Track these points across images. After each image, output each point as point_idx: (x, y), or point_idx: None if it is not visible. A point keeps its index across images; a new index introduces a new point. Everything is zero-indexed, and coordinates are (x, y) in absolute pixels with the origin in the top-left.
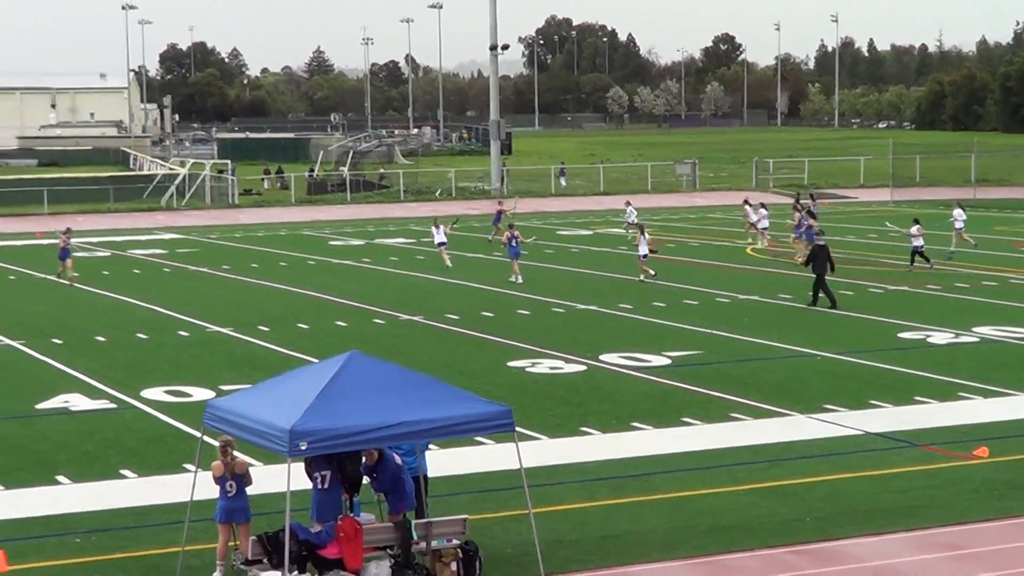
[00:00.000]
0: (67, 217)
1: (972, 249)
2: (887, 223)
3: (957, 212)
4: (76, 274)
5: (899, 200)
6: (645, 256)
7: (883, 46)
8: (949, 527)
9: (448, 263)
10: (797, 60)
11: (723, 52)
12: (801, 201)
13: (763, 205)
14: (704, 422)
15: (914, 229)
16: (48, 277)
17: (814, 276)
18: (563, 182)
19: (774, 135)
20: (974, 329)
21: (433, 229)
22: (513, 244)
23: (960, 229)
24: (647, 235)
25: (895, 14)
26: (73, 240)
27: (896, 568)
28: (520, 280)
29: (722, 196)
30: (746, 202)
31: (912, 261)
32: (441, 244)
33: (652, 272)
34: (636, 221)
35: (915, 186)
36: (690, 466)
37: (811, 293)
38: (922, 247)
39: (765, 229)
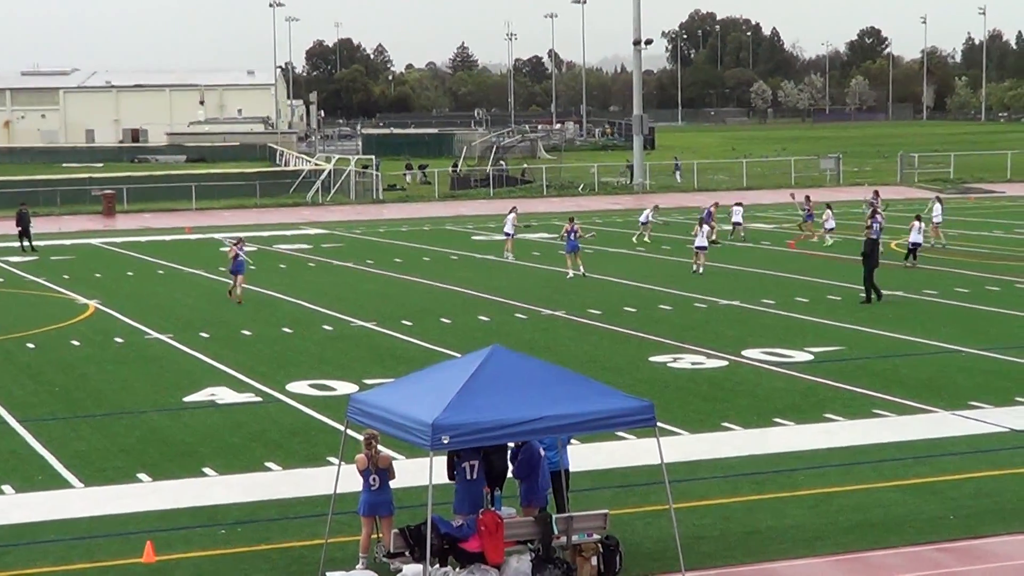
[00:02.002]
0: (214, 212)
1: (940, 246)
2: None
3: (936, 207)
4: (240, 296)
5: None
6: (703, 248)
7: None
8: None
9: (509, 254)
10: (944, 53)
11: (868, 46)
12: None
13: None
14: (847, 418)
15: (914, 225)
16: (197, 272)
17: (864, 270)
18: (678, 177)
19: (919, 129)
20: None
21: (509, 216)
22: (571, 238)
23: (937, 224)
24: (705, 227)
25: None
26: (221, 236)
27: None
28: (580, 272)
29: (866, 191)
30: (738, 203)
31: (907, 257)
32: (508, 234)
33: (700, 269)
34: (650, 221)
35: None
36: (834, 462)
37: (865, 289)
38: (919, 244)
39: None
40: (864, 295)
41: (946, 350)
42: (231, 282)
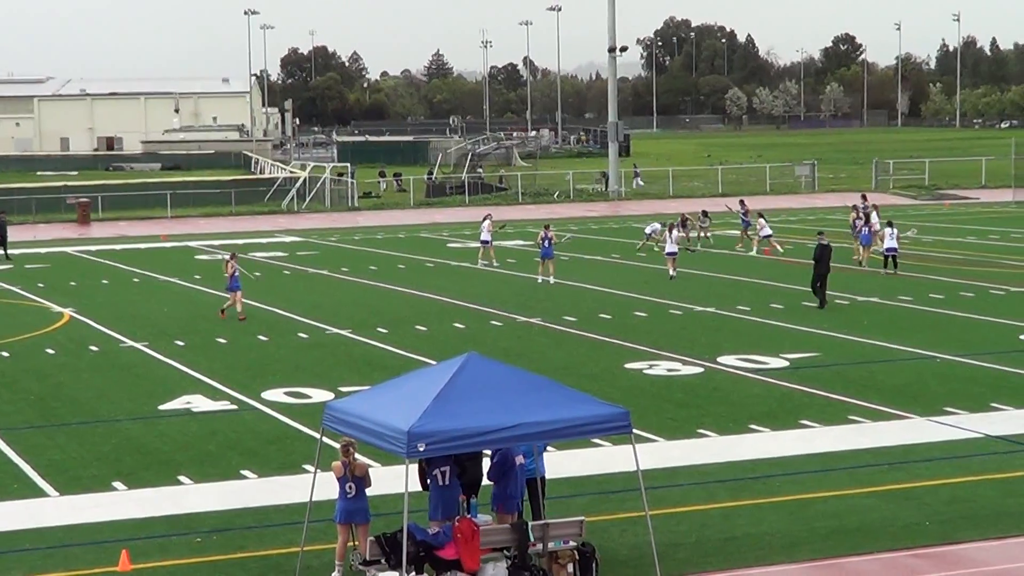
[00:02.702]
0: (190, 220)
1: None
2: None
3: (873, 215)
4: (241, 313)
5: (1021, 201)
6: (673, 254)
7: (1006, 45)
8: None
9: (488, 261)
10: (918, 60)
11: (843, 52)
12: (858, 204)
13: (761, 214)
14: (823, 424)
15: (886, 231)
16: (172, 280)
17: (815, 275)
18: (638, 183)
19: (894, 136)
20: None
21: (483, 224)
22: (547, 244)
23: (876, 231)
24: (674, 233)
25: (1018, 12)
26: (196, 243)
27: (1019, 573)
28: (552, 281)
29: (841, 197)
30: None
31: (885, 265)
32: (485, 242)
33: (673, 273)
34: (654, 236)
35: None
36: (810, 468)
37: (818, 293)
38: (895, 249)
39: (768, 236)
40: (819, 300)
41: (921, 356)
42: (228, 299)
